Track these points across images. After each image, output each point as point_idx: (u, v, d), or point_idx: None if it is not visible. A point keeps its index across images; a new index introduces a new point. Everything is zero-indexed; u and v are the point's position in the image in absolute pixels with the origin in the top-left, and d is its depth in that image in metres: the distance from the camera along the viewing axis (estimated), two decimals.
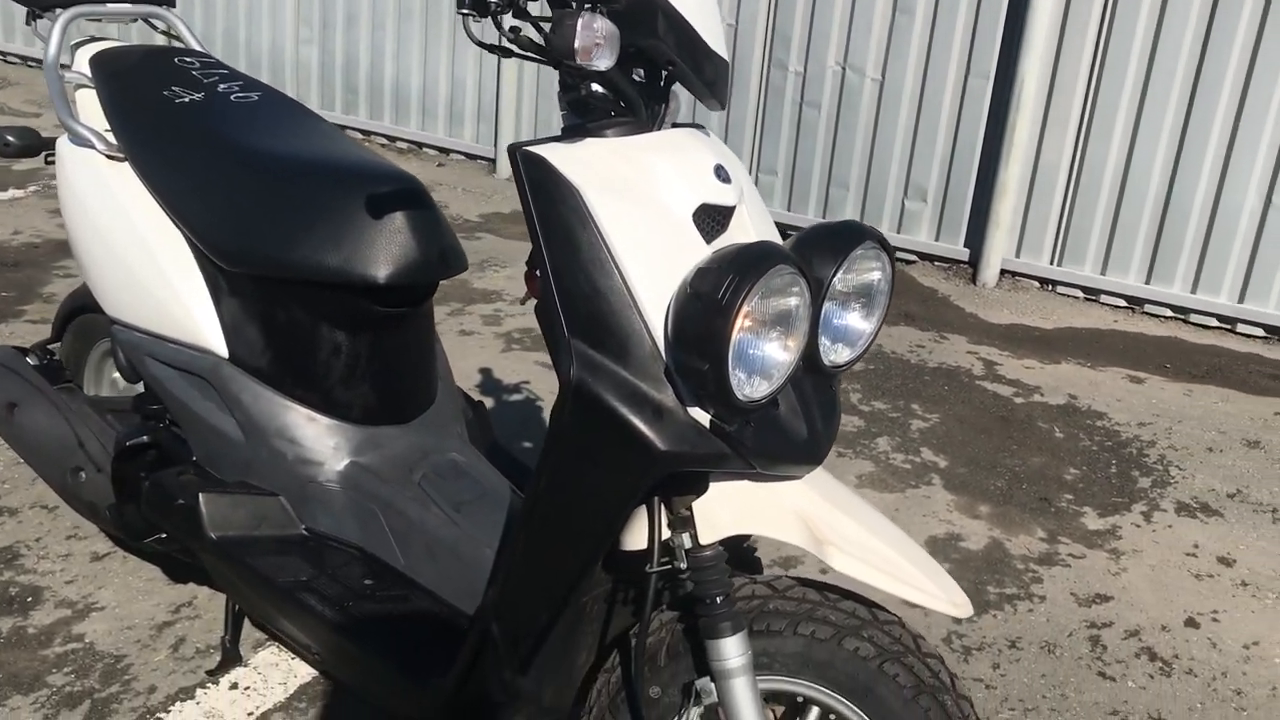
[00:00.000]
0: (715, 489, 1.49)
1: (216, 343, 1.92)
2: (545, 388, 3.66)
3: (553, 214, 1.42)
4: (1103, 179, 4.79)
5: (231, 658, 2.21)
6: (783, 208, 5.47)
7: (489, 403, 3.50)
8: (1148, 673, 2.43)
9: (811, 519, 1.48)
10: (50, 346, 2.53)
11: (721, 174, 1.48)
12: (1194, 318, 4.75)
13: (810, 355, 1.46)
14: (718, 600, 1.47)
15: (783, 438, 1.44)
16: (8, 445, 2.34)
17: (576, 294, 1.41)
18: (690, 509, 1.48)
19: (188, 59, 2.23)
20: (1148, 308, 4.84)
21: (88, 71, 2.13)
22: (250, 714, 2.10)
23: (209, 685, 2.17)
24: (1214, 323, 4.72)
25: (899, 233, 5.23)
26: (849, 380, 3.90)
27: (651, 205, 1.43)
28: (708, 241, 1.44)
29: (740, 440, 1.39)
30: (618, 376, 1.39)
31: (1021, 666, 2.42)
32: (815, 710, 1.62)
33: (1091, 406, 3.88)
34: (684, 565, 1.49)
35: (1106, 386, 4.07)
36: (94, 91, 2.11)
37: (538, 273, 1.60)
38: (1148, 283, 4.80)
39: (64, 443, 2.20)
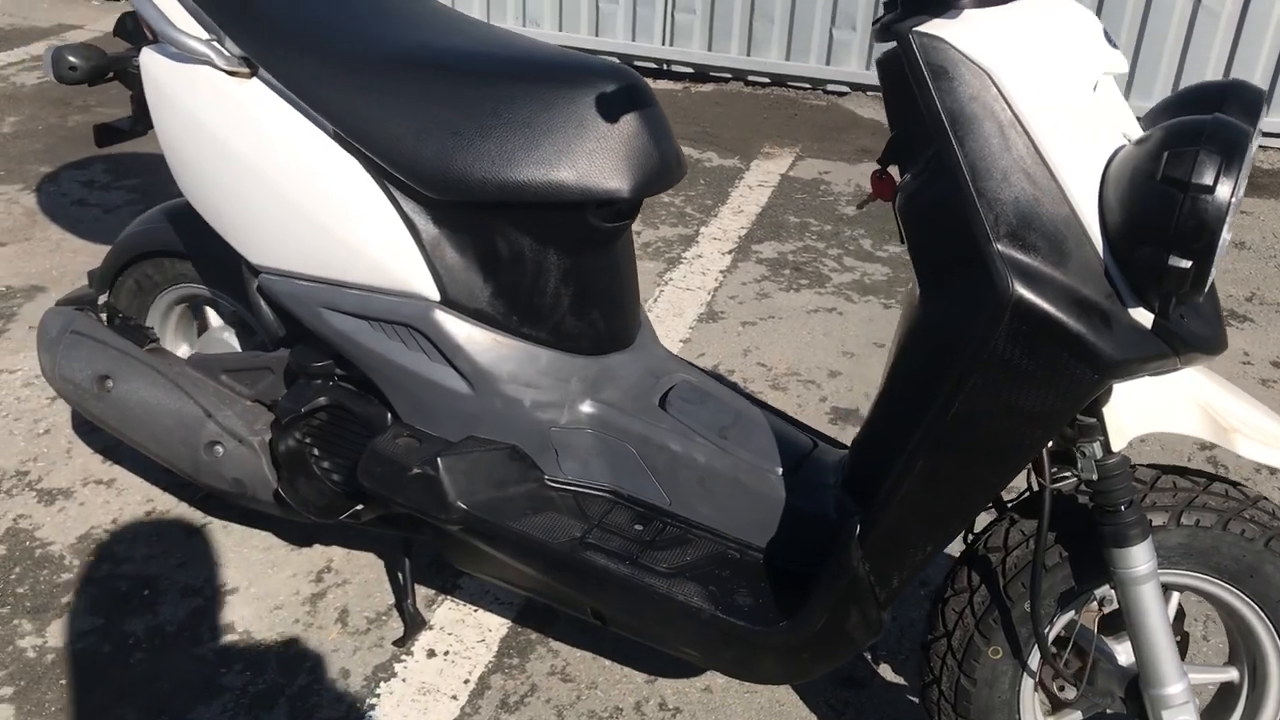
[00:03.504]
0: (1118, 390, 1.37)
1: (424, 285, 1.63)
2: None
3: (963, 106, 1.23)
4: None
5: (416, 622, 1.99)
6: (703, 48, 5.21)
7: None
8: None
9: (1212, 407, 1.39)
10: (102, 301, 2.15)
11: (1108, 36, 1.33)
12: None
13: None
14: (1123, 508, 1.38)
15: (1206, 326, 1.33)
16: (97, 426, 1.99)
17: (1002, 194, 1.24)
18: (1100, 415, 1.36)
19: None
20: None
21: None
22: (466, 681, 1.91)
23: (404, 658, 1.95)
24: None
25: (829, 64, 5.08)
26: (857, 225, 3.80)
27: (1060, 82, 1.27)
28: None
29: (1179, 336, 1.28)
30: (1058, 283, 1.25)
31: None
32: (1176, 596, 1.57)
33: None
34: (1094, 476, 1.38)
35: None
36: None
37: (888, 171, 1.42)
38: None
39: (185, 415, 1.88)
